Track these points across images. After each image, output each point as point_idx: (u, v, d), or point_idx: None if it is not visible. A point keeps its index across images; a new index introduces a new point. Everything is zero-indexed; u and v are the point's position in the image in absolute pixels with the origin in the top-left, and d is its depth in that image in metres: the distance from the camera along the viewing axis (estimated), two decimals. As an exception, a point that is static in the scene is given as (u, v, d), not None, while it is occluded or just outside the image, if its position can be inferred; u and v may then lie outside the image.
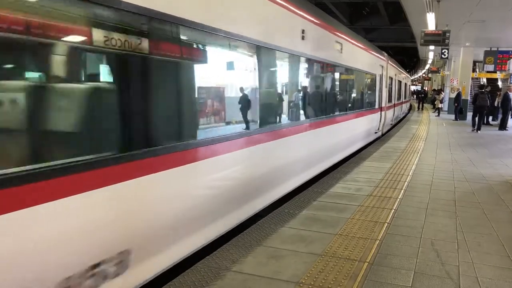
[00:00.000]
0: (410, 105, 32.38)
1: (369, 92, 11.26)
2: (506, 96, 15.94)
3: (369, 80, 11.12)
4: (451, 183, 6.42)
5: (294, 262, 3.36)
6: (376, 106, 12.04)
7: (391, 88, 15.72)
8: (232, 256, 3.47)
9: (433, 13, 12.64)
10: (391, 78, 15.31)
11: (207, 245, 3.75)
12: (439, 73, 34.83)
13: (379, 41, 25.89)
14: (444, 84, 31.87)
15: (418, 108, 32.55)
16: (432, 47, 21.37)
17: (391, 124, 16.64)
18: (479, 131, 15.05)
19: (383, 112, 13.19)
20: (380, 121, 12.80)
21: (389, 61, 14.54)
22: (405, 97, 23.89)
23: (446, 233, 4.14)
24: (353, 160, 8.37)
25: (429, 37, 14.30)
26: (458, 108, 20.26)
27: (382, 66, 12.90)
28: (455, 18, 13.82)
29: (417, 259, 3.48)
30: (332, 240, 3.86)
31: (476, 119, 15.51)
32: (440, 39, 14.04)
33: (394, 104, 17.09)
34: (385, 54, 14.11)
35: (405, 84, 24.06)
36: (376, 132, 12.41)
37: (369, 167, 7.54)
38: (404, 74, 23.33)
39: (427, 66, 37.48)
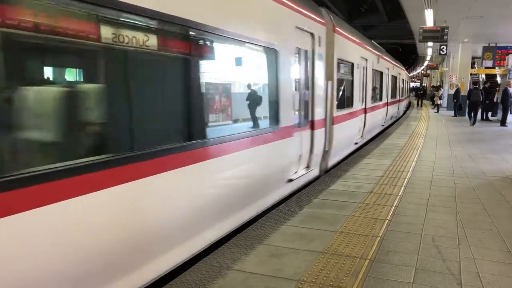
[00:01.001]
0: (409, 103, 32.20)
1: (247, 90, 4.78)
2: (505, 91, 15.98)
3: (244, 60, 4.55)
4: (451, 179, 6.42)
5: (295, 260, 3.37)
6: (284, 124, 5.14)
7: (353, 82, 9.15)
8: (233, 255, 3.47)
9: (431, 10, 12.65)
10: (351, 64, 8.86)
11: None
12: (438, 69, 34.85)
13: (378, 38, 25.86)
14: (443, 81, 31.89)
15: (417, 105, 32.67)
16: (430, 44, 21.40)
17: (357, 143, 9.90)
18: (474, 125, 15.57)
19: (317, 132, 6.51)
20: (310, 152, 6.31)
21: (337, 28, 7.42)
22: (394, 96, 17.18)
23: (446, 229, 4.14)
24: (353, 158, 8.37)
25: (428, 33, 14.35)
26: (457, 104, 20.32)
27: (313, 35, 6.22)
28: (454, 14, 13.83)
29: (418, 256, 3.49)
30: (333, 238, 3.86)
31: (472, 114, 16.11)
32: (438, 35, 14.09)
33: (365, 108, 10.57)
34: (331, 15, 7.46)
35: (395, 77, 17.53)
36: (291, 180, 5.55)
37: (369, 164, 7.54)
38: (389, 61, 15.64)
39: (426, 63, 37.48)
